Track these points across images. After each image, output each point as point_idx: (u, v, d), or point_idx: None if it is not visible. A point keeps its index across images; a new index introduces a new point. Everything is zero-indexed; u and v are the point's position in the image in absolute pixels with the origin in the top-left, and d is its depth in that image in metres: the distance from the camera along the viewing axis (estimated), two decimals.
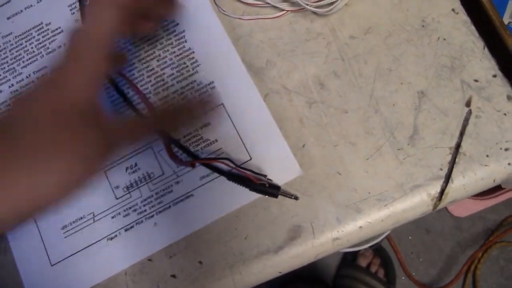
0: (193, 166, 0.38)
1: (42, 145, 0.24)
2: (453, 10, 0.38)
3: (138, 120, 0.34)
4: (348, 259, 1.11)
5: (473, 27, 0.38)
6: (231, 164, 0.36)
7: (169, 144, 0.38)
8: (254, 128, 0.38)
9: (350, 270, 1.07)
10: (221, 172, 0.37)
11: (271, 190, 0.36)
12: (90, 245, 0.38)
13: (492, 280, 1.10)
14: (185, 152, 0.38)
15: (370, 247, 1.04)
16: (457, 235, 1.13)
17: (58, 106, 0.26)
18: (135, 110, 0.39)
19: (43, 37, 0.42)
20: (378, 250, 1.10)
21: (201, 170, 0.38)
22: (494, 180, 0.36)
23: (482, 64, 0.37)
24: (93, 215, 0.38)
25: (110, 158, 0.28)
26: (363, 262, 1.07)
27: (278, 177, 0.37)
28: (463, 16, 0.38)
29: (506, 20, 0.57)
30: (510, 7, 0.58)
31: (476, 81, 0.37)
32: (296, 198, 0.36)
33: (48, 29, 0.42)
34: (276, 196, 0.36)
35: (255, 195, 0.36)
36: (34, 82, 0.28)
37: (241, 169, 0.36)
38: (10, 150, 0.23)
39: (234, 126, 0.38)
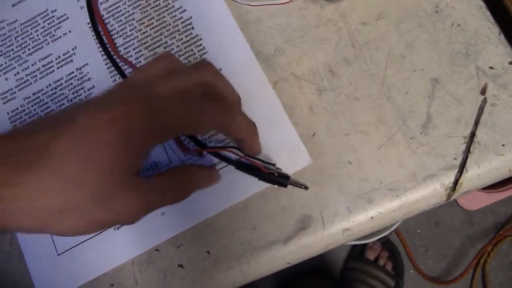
0: (200, 154, 0.37)
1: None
2: None
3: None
4: (356, 252, 1.10)
5: (488, 13, 0.37)
6: (240, 153, 0.35)
7: None
8: (263, 116, 0.37)
9: (358, 263, 1.06)
10: (229, 161, 0.36)
11: (280, 179, 0.35)
12: (96, 235, 0.37)
13: (502, 274, 1.08)
14: (193, 141, 0.37)
15: (378, 240, 1.03)
16: (467, 228, 1.12)
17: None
18: None
19: (48, 24, 0.42)
20: (386, 243, 1.09)
21: (209, 159, 0.37)
22: (510, 170, 0.35)
23: (498, 50, 0.36)
24: None
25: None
26: (371, 255, 1.07)
27: (287, 166, 0.36)
28: (478, 1, 0.37)
29: None
30: None
31: (491, 68, 0.36)
32: (306, 187, 0.35)
33: (53, 16, 0.42)
34: (285, 186, 0.35)
35: (264, 185, 0.36)
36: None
37: (249, 158, 0.35)
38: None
39: None
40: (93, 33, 0.40)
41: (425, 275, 1.03)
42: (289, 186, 0.35)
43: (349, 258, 1.12)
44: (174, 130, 0.28)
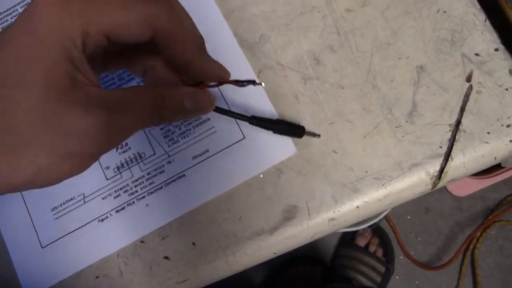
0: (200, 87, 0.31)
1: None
2: None
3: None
4: (347, 239, 1.11)
5: None
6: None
7: None
8: (248, 106, 0.36)
9: (348, 250, 1.07)
10: (244, 117, 0.34)
11: (296, 129, 0.35)
12: (80, 227, 0.37)
13: (491, 259, 1.10)
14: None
15: (369, 227, 1.04)
16: (456, 214, 1.13)
17: None
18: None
19: None
20: (376, 229, 1.10)
21: (193, 149, 0.37)
22: (495, 158, 0.35)
23: (484, 37, 0.35)
24: (83, 196, 0.37)
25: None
26: (361, 242, 1.07)
27: (272, 156, 0.36)
28: None
29: None
30: None
31: (477, 55, 0.35)
32: (318, 135, 0.35)
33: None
34: (301, 136, 0.35)
35: (248, 175, 0.35)
36: None
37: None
38: None
39: (227, 104, 0.37)
40: None
41: (415, 260, 1.03)
42: (273, 175, 0.35)
43: (340, 245, 1.13)
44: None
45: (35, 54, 0.20)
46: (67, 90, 0.21)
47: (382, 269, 1.03)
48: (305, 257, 1.12)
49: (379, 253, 1.07)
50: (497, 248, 1.10)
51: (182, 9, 0.26)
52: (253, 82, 0.31)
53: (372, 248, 1.07)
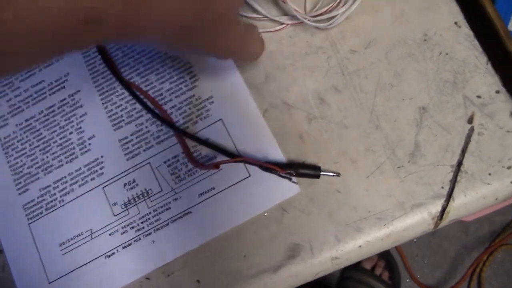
0: (217, 168, 0.37)
1: None
2: (455, 23, 0.37)
3: None
4: None
5: (476, 42, 0.37)
6: (259, 161, 0.36)
7: (187, 145, 0.37)
8: (253, 144, 0.37)
9: (354, 272, 1.06)
10: (259, 165, 0.36)
11: (313, 171, 0.35)
12: (88, 263, 0.37)
13: (498, 284, 1.09)
14: (208, 146, 0.37)
15: None
16: (463, 237, 1.13)
17: None
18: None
19: None
20: (383, 252, 1.09)
21: (199, 187, 0.37)
22: (496, 199, 0.35)
23: (485, 79, 0.36)
24: (91, 232, 0.38)
25: None
26: (367, 265, 1.07)
27: (277, 194, 0.36)
28: (466, 29, 0.37)
29: (511, 27, 0.56)
30: None
31: (478, 97, 0.36)
32: (338, 174, 0.36)
33: None
34: (318, 177, 0.36)
35: (253, 213, 0.36)
36: None
37: (269, 164, 0.35)
38: None
39: (233, 142, 0.37)
40: (85, 60, 0.41)
41: (421, 284, 1.03)
42: (278, 215, 0.36)
43: (345, 267, 1.12)
44: None
45: None
46: None
47: None
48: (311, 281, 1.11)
49: (385, 276, 1.07)
50: (504, 271, 1.09)
51: None
52: (289, 178, 0.36)
53: (378, 271, 1.06)
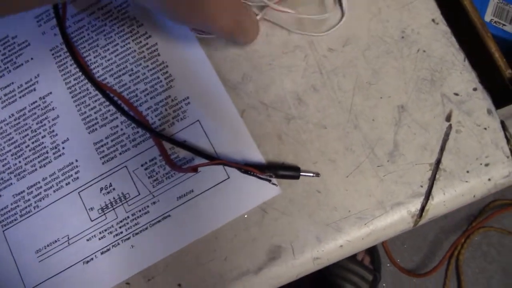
0: (195, 171, 0.36)
1: None
2: (433, 20, 0.37)
3: None
4: None
5: (453, 38, 0.37)
6: (238, 164, 0.36)
7: (164, 148, 0.37)
8: (232, 146, 0.37)
9: None
10: (238, 168, 0.36)
11: (292, 172, 0.35)
12: (65, 269, 0.37)
13: (475, 265, 1.11)
14: (186, 148, 0.36)
15: None
16: (441, 221, 1.15)
17: None
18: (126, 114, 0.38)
19: (9, 51, 0.40)
20: None
21: (178, 189, 0.37)
22: (474, 196, 0.35)
23: (463, 77, 0.36)
24: (68, 238, 0.37)
25: None
26: None
27: (256, 196, 0.36)
28: (443, 26, 0.37)
29: (488, 17, 0.56)
30: (491, 4, 0.57)
31: (456, 94, 0.36)
32: (317, 174, 0.36)
33: (14, 43, 0.40)
34: (297, 178, 0.35)
35: (233, 215, 0.36)
36: None
37: (248, 166, 0.35)
38: None
39: (211, 143, 0.37)
40: (55, 61, 0.39)
41: (401, 268, 1.05)
42: (258, 217, 0.35)
43: None
44: None
45: None
46: None
47: (370, 277, 1.04)
48: None
49: (366, 261, 1.08)
50: (481, 254, 1.12)
51: None
52: (269, 180, 0.36)
53: (359, 256, 1.08)
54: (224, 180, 0.37)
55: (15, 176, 0.38)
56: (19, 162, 0.38)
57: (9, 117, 0.39)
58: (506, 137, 0.35)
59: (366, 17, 0.38)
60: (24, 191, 0.38)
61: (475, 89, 0.36)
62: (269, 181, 0.36)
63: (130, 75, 0.39)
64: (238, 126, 0.37)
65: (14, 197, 0.38)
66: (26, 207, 0.38)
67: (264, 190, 0.36)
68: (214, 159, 0.35)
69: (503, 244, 1.12)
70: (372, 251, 1.10)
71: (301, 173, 0.35)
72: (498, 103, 0.36)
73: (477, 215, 1.13)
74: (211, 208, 0.36)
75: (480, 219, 1.11)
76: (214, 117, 0.37)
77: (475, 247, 1.12)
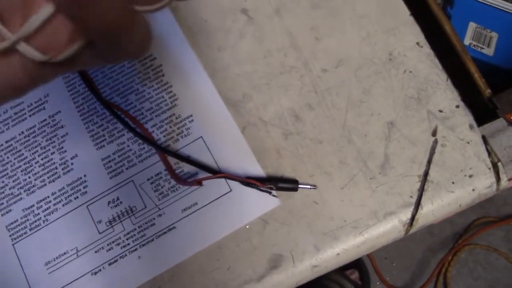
0: (200, 184, 0.39)
1: None
2: (417, 43, 0.40)
3: None
4: None
5: (436, 60, 0.40)
6: (240, 177, 0.38)
7: (169, 163, 0.39)
8: (233, 160, 0.39)
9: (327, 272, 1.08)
10: (240, 180, 0.38)
11: (291, 185, 0.38)
12: (74, 280, 0.38)
13: (462, 282, 1.14)
14: (190, 163, 0.38)
15: None
16: (428, 239, 1.17)
17: None
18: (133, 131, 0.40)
19: None
20: None
21: (182, 202, 0.39)
22: (460, 205, 0.38)
23: (446, 95, 0.39)
24: (76, 250, 0.39)
25: None
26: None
27: (257, 207, 0.38)
28: (427, 49, 0.40)
29: (467, 41, 0.60)
30: (470, 29, 0.61)
31: (440, 111, 0.39)
32: (314, 187, 0.38)
33: None
34: (296, 190, 0.38)
35: (235, 226, 0.38)
36: None
37: (250, 179, 0.38)
38: None
39: (214, 158, 0.39)
40: (64, 81, 0.42)
41: (391, 286, 1.07)
42: (260, 227, 0.37)
43: None
44: None
45: None
46: None
47: None
48: None
49: (355, 277, 1.09)
50: (468, 271, 1.15)
51: None
52: (269, 192, 0.38)
53: (348, 272, 1.09)
54: (227, 193, 0.39)
55: (24, 191, 0.40)
56: (29, 177, 0.40)
57: (19, 134, 0.41)
58: (487, 150, 0.38)
59: (356, 40, 0.41)
60: (33, 205, 0.40)
61: (457, 106, 0.39)
62: (270, 193, 0.38)
63: (136, 94, 0.41)
64: (239, 142, 0.39)
65: (23, 211, 0.40)
66: (35, 221, 0.39)
67: (264, 202, 0.38)
68: (217, 172, 0.38)
69: (489, 261, 1.15)
70: (361, 269, 1.12)
71: (299, 186, 0.38)
72: (480, 119, 0.39)
73: (462, 233, 1.16)
74: (214, 220, 0.38)
75: (465, 237, 1.14)
76: (217, 134, 0.40)
77: (462, 264, 1.15)
